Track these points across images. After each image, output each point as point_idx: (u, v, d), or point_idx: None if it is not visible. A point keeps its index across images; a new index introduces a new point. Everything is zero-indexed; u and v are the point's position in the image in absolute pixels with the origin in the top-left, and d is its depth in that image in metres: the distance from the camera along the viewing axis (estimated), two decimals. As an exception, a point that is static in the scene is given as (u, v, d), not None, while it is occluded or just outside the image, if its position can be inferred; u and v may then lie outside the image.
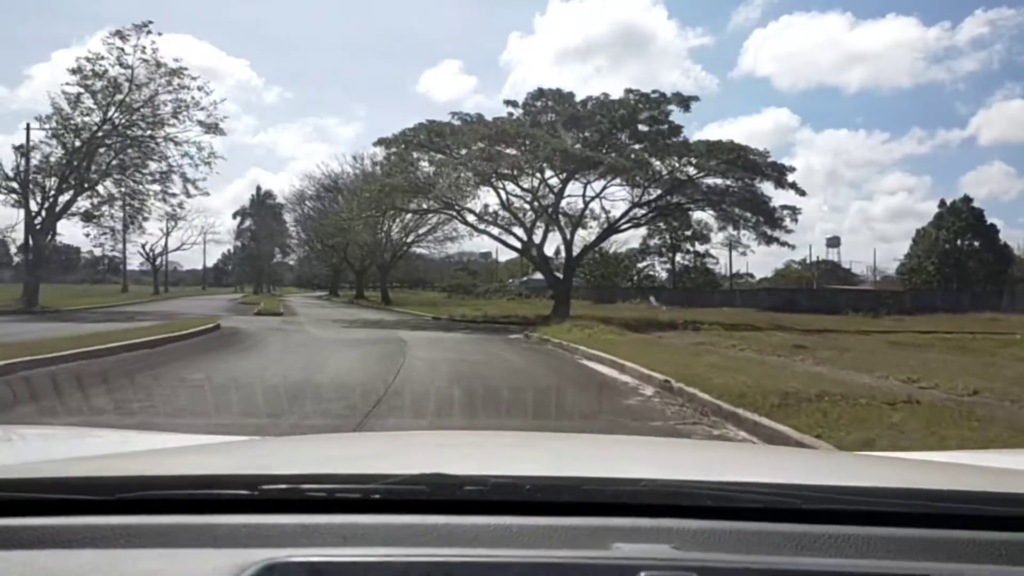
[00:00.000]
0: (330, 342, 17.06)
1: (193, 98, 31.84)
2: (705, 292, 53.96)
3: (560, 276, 32.63)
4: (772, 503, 1.13)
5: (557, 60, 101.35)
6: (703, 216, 34.08)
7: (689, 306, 47.53)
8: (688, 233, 53.38)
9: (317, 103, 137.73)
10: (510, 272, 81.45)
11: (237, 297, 55.05)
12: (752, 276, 68.23)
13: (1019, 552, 1.06)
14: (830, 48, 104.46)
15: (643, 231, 52.72)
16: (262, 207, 69.48)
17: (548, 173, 31.07)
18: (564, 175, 30.46)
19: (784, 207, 29.19)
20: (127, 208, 33.13)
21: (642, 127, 30.67)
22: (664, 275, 64.72)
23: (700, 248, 54.98)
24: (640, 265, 63.40)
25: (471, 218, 31.85)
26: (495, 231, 31.66)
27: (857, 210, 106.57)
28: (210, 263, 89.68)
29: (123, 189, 32.92)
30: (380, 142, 29.08)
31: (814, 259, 61.92)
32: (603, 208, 31.86)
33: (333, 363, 12.47)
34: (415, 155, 28.16)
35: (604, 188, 32.21)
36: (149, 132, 31.75)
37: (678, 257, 60.10)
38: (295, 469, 1.27)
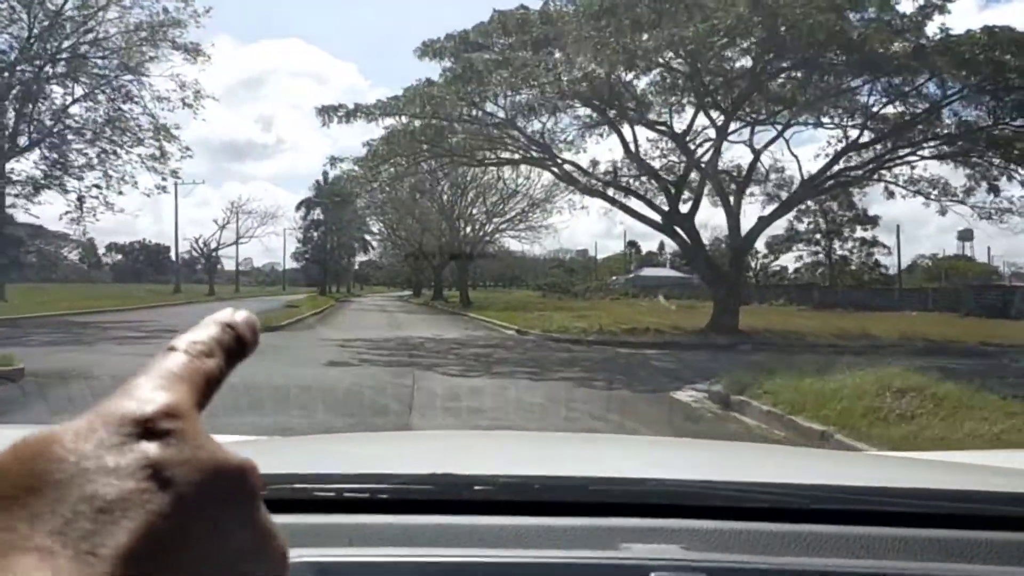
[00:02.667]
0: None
1: (166, 9, 20.53)
2: (873, 292, 39.56)
3: (714, 265, 19.51)
4: (781, 503, 1.07)
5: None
6: (938, 171, 20.36)
7: (858, 309, 33.64)
8: (848, 215, 39.12)
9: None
10: (610, 270, 70.11)
11: (298, 299, 44.09)
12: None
13: None
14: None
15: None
16: (329, 196, 58.51)
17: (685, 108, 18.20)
18: (732, 101, 17.48)
19: None
20: (81, 174, 21.97)
21: (856, 18, 17.28)
22: (793, 269, 50.52)
23: (866, 234, 40.38)
24: (767, 256, 49.34)
25: (579, 177, 19.14)
26: (612, 193, 18.82)
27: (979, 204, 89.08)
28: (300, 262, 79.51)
29: (75, 148, 21.81)
30: (426, 50, 16.73)
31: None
32: (790, 158, 18.67)
33: None
34: (482, 67, 15.65)
35: (786, 127, 19.08)
36: (94, 55, 20.53)
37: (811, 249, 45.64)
38: (302, 468, 1.17)
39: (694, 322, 19.37)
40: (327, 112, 15.77)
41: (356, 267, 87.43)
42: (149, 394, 0.30)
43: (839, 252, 43.12)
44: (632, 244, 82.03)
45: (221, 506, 0.29)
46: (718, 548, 0.98)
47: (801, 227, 39.99)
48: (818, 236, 42.42)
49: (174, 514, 0.27)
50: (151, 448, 0.28)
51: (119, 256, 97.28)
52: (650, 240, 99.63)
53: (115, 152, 22.36)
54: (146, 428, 0.29)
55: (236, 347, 0.35)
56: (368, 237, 65.22)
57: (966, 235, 64.65)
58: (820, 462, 1.80)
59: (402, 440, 2.29)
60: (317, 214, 58.18)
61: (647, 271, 63.98)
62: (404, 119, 15.58)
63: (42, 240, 77.54)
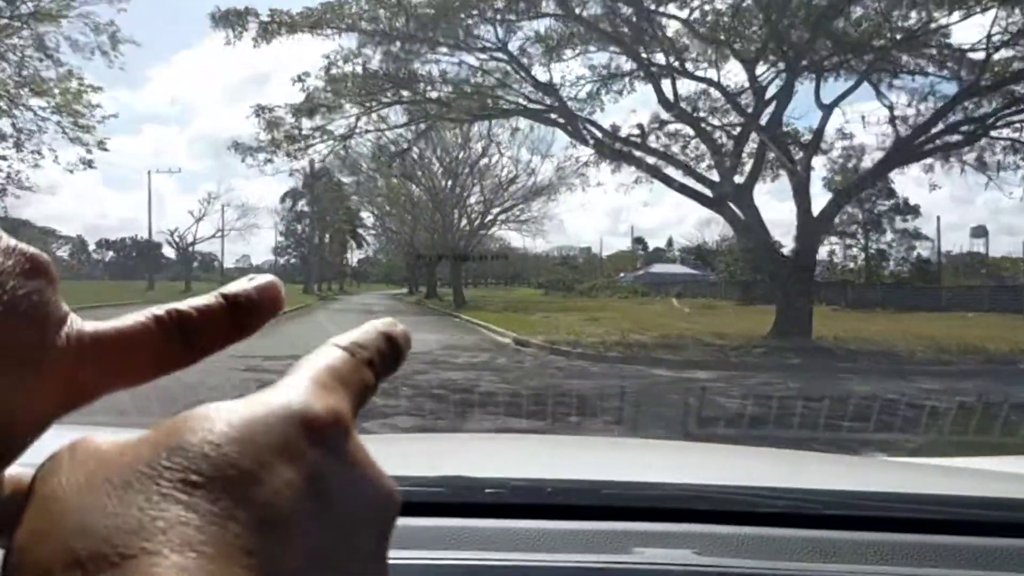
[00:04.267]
0: None
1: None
2: (915, 289, 34.56)
3: (780, 253, 14.61)
4: (794, 508, 1.05)
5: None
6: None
7: (900, 309, 28.87)
8: (887, 204, 34.20)
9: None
10: (616, 267, 65.90)
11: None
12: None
13: None
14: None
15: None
16: (317, 186, 53.66)
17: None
18: (808, 32, 12.60)
19: None
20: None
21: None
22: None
23: (907, 225, 35.40)
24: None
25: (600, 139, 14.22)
26: (640, 155, 13.94)
27: (983, 202, 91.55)
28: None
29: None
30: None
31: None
32: (888, 113, 13.95)
33: None
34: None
35: (869, 70, 14.20)
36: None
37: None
38: None
39: (723, 325, 14.53)
40: (229, 20, 10.70)
41: (355, 264, 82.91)
42: (315, 392, 0.27)
43: (875, 246, 38.14)
44: (639, 240, 77.29)
45: (369, 528, 0.27)
46: (731, 553, 0.95)
47: (839, 218, 34.99)
48: (854, 227, 37.44)
49: (330, 532, 0.25)
50: (320, 458, 0.26)
51: (111, 253, 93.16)
52: (658, 237, 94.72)
53: (21, 114, 17.65)
54: (313, 433, 0.26)
55: (392, 360, 0.31)
56: (362, 231, 60.52)
57: (979, 232, 60.02)
58: (835, 467, 1.74)
59: (414, 442, 2.25)
60: (302, 205, 53.27)
61: (657, 268, 59.45)
62: (353, 43, 10.69)
63: (27, 235, 73.40)
